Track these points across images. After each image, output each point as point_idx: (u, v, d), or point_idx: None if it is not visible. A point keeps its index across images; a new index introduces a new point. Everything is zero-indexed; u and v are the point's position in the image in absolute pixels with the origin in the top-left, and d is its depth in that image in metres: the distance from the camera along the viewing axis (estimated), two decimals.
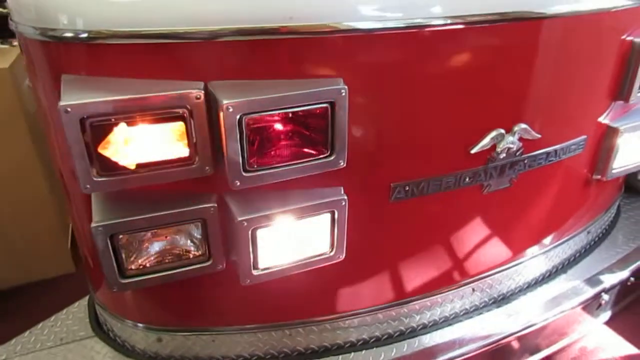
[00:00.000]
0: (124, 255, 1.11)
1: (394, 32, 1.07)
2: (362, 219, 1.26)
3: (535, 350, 1.80)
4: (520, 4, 1.19)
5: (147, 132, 0.98)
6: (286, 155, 1.05)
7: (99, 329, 1.55)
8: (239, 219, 1.08)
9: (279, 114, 1.00)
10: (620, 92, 1.57)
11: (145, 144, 0.99)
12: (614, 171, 1.72)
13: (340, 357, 1.48)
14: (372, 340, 1.53)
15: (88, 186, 0.98)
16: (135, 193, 1.10)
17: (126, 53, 0.98)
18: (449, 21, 1.11)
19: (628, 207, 2.33)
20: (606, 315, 2.00)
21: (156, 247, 1.15)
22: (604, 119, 1.62)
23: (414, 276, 1.48)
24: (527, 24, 1.23)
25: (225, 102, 0.94)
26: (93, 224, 1.04)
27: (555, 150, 1.49)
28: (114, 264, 1.10)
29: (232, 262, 1.20)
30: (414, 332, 1.57)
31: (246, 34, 0.97)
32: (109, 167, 0.98)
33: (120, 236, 1.08)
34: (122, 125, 0.95)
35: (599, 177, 1.73)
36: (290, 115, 1.01)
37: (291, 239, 1.18)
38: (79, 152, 0.94)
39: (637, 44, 1.50)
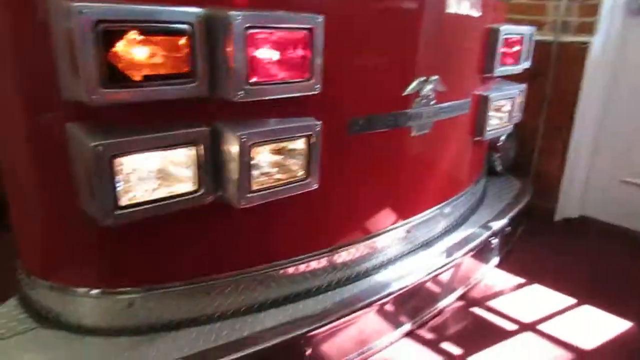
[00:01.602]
0: (119, 183, 1.08)
1: None
2: (326, 151, 1.40)
3: (453, 289, 2.08)
4: None
5: (155, 44, 1.03)
6: (277, 74, 1.18)
7: (45, 320, 1.37)
8: (238, 134, 1.15)
9: (273, 32, 1.14)
10: (488, 67, 2.04)
11: (150, 56, 1.04)
12: (489, 132, 2.16)
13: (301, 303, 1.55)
14: (334, 283, 1.64)
15: (95, 97, 0.98)
16: (119, 120, 1.11)
17: None
18: None
19: (489, 182, 2.87)
20: (496, 259, 2.41)
21: (149, 175, 1.14)
22: (478, 89, 2.06)
23: (369, 214, 1.66)
24: None
25: (233, 13, 1.05)
26: (93, 144, 1.02)
27: (454, 105, 1.86)
28: (110, 192, 1.07)
29: (220, 196, 1.25)
30: (367, 273, 1.72)
31: None
32: (115, 78, 1.00)
33: (118, 159, 1.06)
34: (134, 33, 1.00)
35: (479, 137, 2.16)
36: (283, 34, 1.16)
37: (275, 163, 1.28)
38: (87, 59, 0.95)
39: (494, 29, 1.99)
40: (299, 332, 1.36)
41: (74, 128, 1.10)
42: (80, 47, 0.95)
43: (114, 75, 1.00)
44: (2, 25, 1.12)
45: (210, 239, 1.35)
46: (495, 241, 2.30)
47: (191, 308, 1.35)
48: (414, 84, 1.59)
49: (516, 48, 2.19)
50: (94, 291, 1.29)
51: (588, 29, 2.82)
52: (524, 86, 2.48)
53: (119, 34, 0.99)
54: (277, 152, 1.27)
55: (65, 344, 1.26)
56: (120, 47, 0.99)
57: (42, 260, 1.34)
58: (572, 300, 2.19)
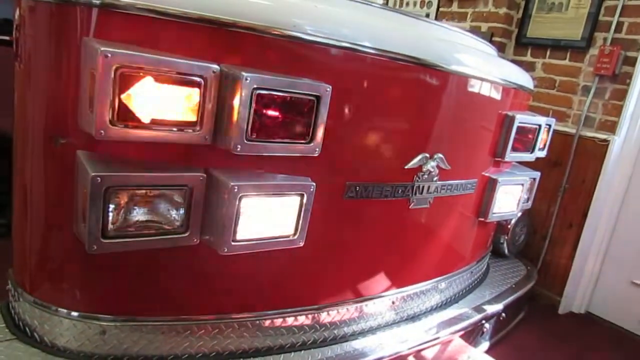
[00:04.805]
0: (110, 214, 1.14)
1: (358, 54, 1.38)
2: (319, 212, 1.44)
3: None
4: (430, 56, 1.54)
5: (166, 92, 1.11)
6: (277, 133, 1.24)
7: (20, 333, 1.41)
8: (232, 184, 1.20)
9: (280, 95, 1.21)
10: (498, 151, 2.07)
11: (162, 102, 1.11)
12: (493, 215, 2.16)
13: (282, 356, 1.54)
14: (309, 342, 1.63)
15: (102, 132, 1.05)
16: (125, 157, 1.18)
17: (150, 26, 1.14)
18: (376, 52, 1.40)
19: (493, 264, 2.83)
20: (486, 345, 2.34)
21: (139, 211, 1.20)
22: (487, 171, 2.08)
23: (355, 279, 1.67)
24: (438, 74, 1.60)
25: (244, 74, 1.13)
26: (93, 174, 1.08)
27: (458, 184, 1.88)
28: (100, 221, 1.12)
29: (206, 240, 1.29)
30: (345, 338, 1.71)
31: (257, 30, 1.21)
32: (125, 117, 1.07)
33: (113, 192, 1.12)
34: (148, 79, 1.08)
35: (482, 219, 2.16)
36: (289, 98, 1.22)
37: (265, 216, 1.31)
38: (103, 97, 1.03)
39: (509, 117, 2.03)
40: None
41: (82, 155, 1.18)
42: (99, 86, 1.03)
43: (124, 114, 1.07)
44: (42, 53, 1.23)
45: (191, 280, 1.38)
46: (487, 325, 2.24)
47: (161, 345, 1.36)
48: (416, 159, 1.63)
49: (530, 137, 2.21)
50: (73, 313, 1.32)
51: (610, 127, 2.84)
52: (537, 174, 2.49)
53: (136, 79, 1.07)
54: (268, 206, 1.31)
55: None
56: (134, 90, 1.07)
57: (31, 274, 1.39)
58: None
